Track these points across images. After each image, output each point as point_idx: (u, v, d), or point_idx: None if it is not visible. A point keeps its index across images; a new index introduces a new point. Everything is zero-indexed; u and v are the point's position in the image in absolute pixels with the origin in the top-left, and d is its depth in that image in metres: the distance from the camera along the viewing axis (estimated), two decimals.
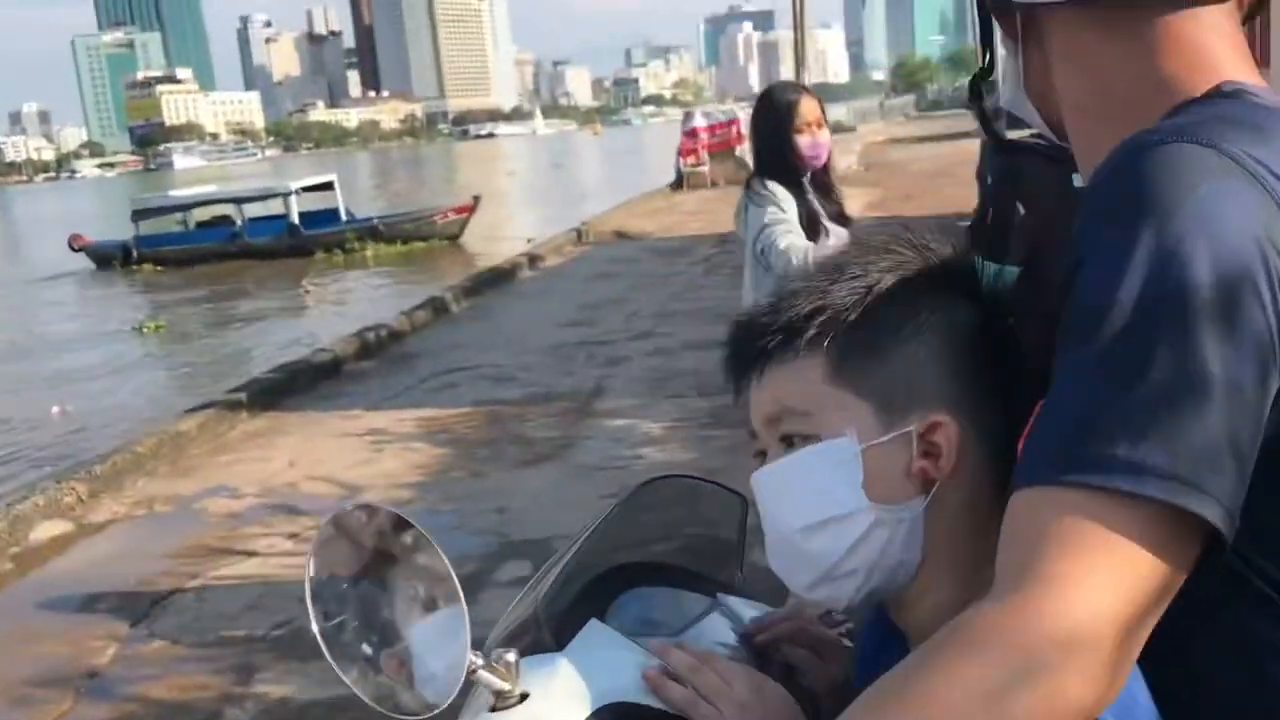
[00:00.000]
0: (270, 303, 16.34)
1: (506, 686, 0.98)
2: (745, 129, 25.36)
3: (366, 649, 0.99)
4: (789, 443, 0.99)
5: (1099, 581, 0.75)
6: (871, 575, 0.97)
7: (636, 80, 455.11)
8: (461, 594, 0.97)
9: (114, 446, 7.17)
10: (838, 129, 50.44)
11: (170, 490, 6.41)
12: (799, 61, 50.99)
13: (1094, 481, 0.77)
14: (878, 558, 0.96)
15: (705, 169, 24.13)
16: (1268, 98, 0.91)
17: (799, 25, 50.83)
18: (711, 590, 1.28)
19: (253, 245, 21.09)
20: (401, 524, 1.00)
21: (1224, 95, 0.91)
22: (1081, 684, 0.73)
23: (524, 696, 0.99)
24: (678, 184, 24.22)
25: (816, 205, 3.78)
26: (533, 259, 14.66)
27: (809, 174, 3.80)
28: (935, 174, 20.58)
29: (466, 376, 8.53)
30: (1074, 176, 1.04)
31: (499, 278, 13.46)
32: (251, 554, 5.24)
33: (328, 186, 22.39)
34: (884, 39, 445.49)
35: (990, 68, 1.04)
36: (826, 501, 0.96)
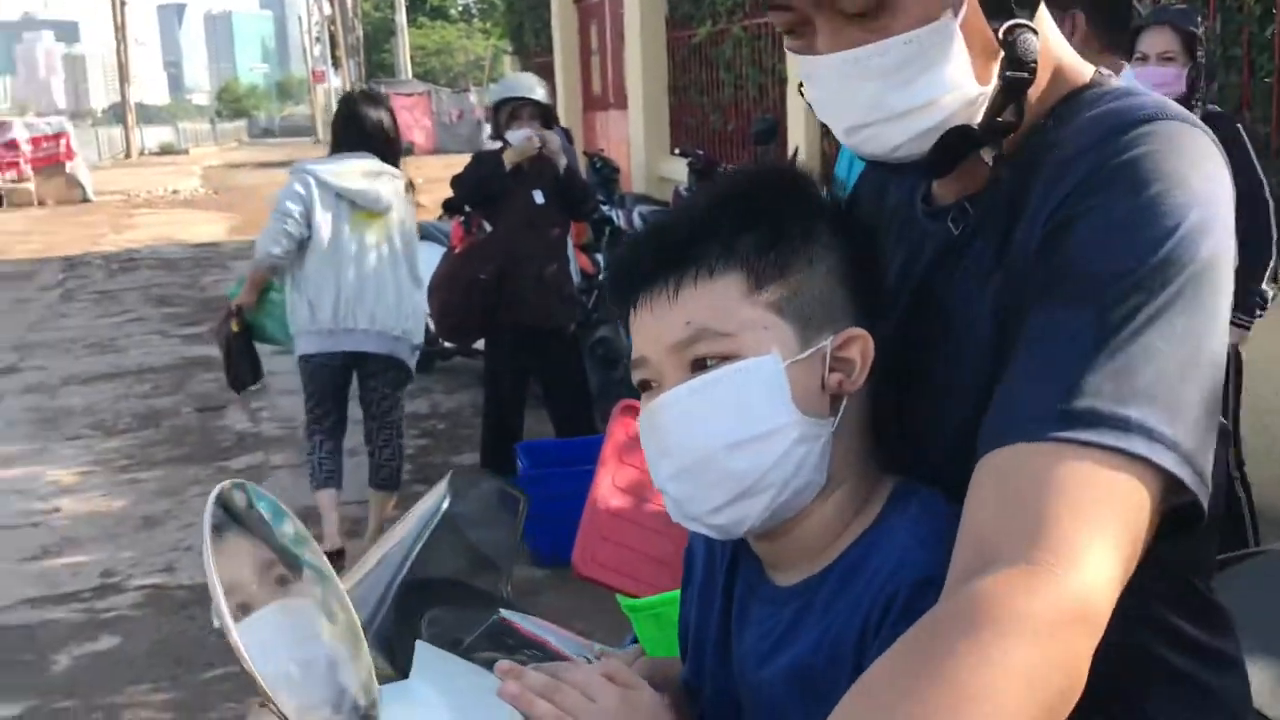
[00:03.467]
0: None
1: None
2: (75, 143, 23.14)
3: (293, 669, 0.81)
4: (700, 366, 0.96)
5: (1107, 548, 0.76)
6: (783, 493, 0.95)
7: None
8: (350, 603, 0.87)
9: None
10: (168, 151, 48.13)
11: None
12: (123, 78, 47.75)
13: (1108, 441, 0.77)
14: (793, 474, 0.95)
15: (30, 185, 21.48)
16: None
17: (121, 38, 47.51)
18: (489, 605, 1.21)
19: None
20: (280, 512, 0.89)
21: (1103, 82, 0.97)
22: (1090, 653, 0.74)
23: None
24: None
25: None
26: None
27: None
28: None
29: None
30: None
31: None
32: None
33: None
34: (204, 62, 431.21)
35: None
36: (755, 417, 0.94)
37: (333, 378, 4.45)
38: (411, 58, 41.04)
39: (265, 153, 41.96)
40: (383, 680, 0.92)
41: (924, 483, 0.99)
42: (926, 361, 0.99)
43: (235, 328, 4.51)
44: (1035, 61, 0.91)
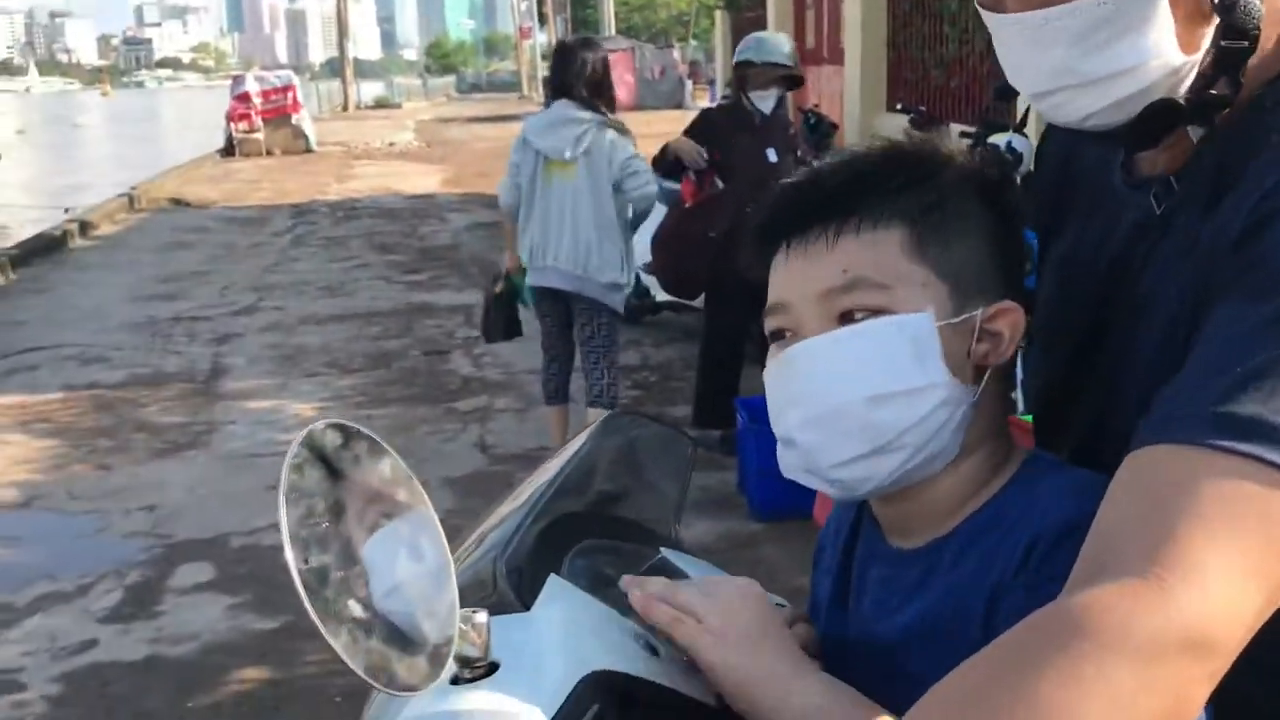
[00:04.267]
0: None
1: (476, 653, 0.82)
2: (301, 96, 24.27)
3: (354, 606, 0.78)
4: (847, 318, 0.93)
5: (1240, 572, 0.67)
6: (916, 456, 0.93)
7: (150, 41, 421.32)
8: (444, 540, 0.82)
9: None
10: (382, 105, 49.97)
11: None
12: (342, 33, 49.64)
13: (1266, 455, 0.68)
14: (931, 438, 0.92)
15: (260, 136, 22.69)
16: None
17: None
18: (654, 544, 1.18)
19: None
20: (377, 450, 0.84)
21: None
22: (1205, 690, 0.67)
23: (493, 666, 0.83)
24: (229, 150, 22.62)
25: None
26: (84, 226, 13.02)
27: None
28: (499, 154, 20.59)
29: (46, 358, 7.38)
30: None
31: (49, 246, 11.79)
32: None
33: None
34: (415, 18, 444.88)
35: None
36: (903, 372, 0.92)
37: (549, 308, 4.75)
38: (615, 14, 41.32)
39: (473, 108, 43.15)
40: (505, 610, 0.90)
41: (1092, 464, 0.94)
42: (1115, 338, 0.94)
43: (498, 290, 4.92)
44: (1258, 28, 0.80)
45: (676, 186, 5.26)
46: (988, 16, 0.89)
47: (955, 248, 0.95)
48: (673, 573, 1.13)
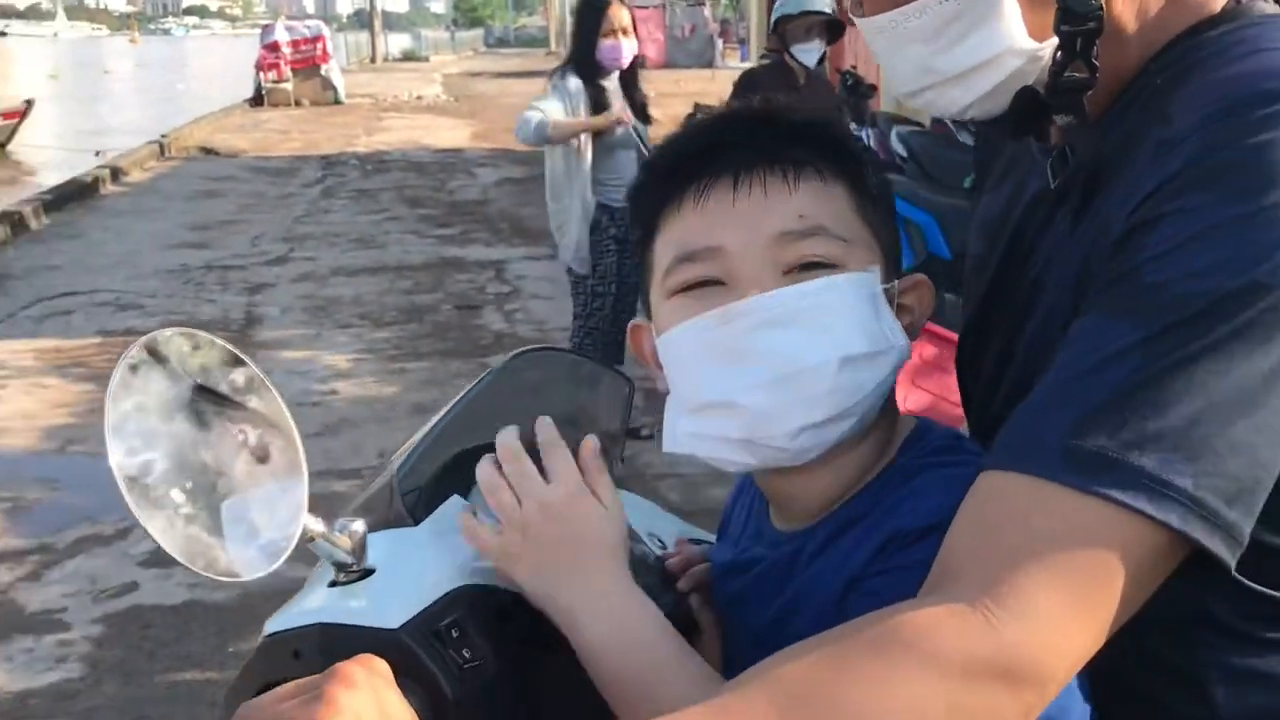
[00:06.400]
0: None
1: (348, 559, 0.86)
2: (330, 47, 24.18)
3: (177, 496, 0.82)
4: (801, 269, 0.87)
5: (1074, 614, 0.68)
6: (860, 422, 0.88)
7: None
8: (301, 447, 0.83)
9: None
10: (410, 58, 49.77)
11: None
12: None
13: (1108, 492, 0.68)
14: (875, 403, 0.89)
15: (288, 86, 22.64)
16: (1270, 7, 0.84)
17: None
18: None
19: None
20: (234, 360, 0.83)
21: (1242, 12, 0.83)
22: (1022, 714, 0.69)
23: (368, 572, 0.87)
24: (257, 100, 22.58)
25: (609, 100, 4.36)
26: (115, 173, 13.04)
27: (613, 74, 4.37)
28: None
29: (80, 303, 7.42)
30: None
31: (81, 192, 11.82)
32: None
33: None
34: None
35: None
36: (871, 332, 0.87)
37: None
38: None
39: (500, 62, 42.85)
40: (394, 525, 0.93)
41: (994, 425, 0.93)
42: (1011, 311, 0.93)
43: None
44: (1099, 10, 0.78)
45: None
46: (857, 21, 0.89)
47: (884, 216, 0.93)
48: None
